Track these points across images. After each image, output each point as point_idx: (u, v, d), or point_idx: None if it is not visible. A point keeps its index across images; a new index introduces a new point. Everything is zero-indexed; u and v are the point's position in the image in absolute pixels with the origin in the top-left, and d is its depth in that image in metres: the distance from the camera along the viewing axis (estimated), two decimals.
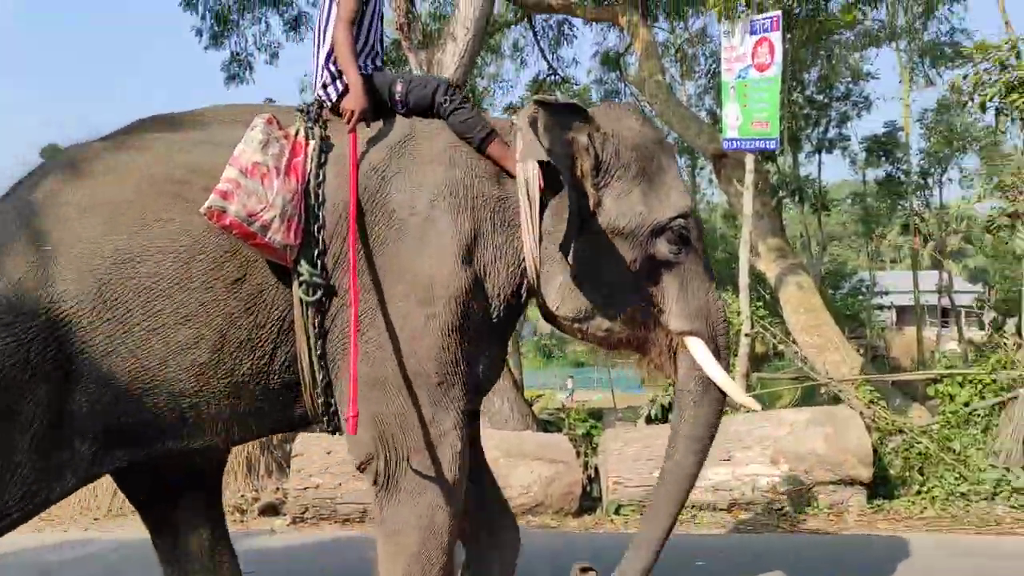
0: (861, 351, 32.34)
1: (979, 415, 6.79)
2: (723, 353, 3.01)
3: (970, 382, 6.92)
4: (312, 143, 2.73)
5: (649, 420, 7.81)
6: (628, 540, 3.13)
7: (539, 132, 2.75)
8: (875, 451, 6.45)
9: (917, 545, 4.90)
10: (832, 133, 23.83)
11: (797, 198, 24.28)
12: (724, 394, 2.98)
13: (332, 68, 2.96)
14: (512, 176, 2.82)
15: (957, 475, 6.31)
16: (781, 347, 8.39)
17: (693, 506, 6.02)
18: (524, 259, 2.81)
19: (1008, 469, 6.21)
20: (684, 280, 2.95)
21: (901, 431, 6.73)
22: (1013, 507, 5.89)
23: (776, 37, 6.45)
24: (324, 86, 2.98)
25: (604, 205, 2.83)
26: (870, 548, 4.96)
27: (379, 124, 2.90)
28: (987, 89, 7.11)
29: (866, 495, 6.13)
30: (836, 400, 7.57)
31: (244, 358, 2.65)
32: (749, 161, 7.26)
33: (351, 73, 2.85)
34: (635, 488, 6.07)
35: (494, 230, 2.81)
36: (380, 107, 2.93)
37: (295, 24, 13.33)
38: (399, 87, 2.93)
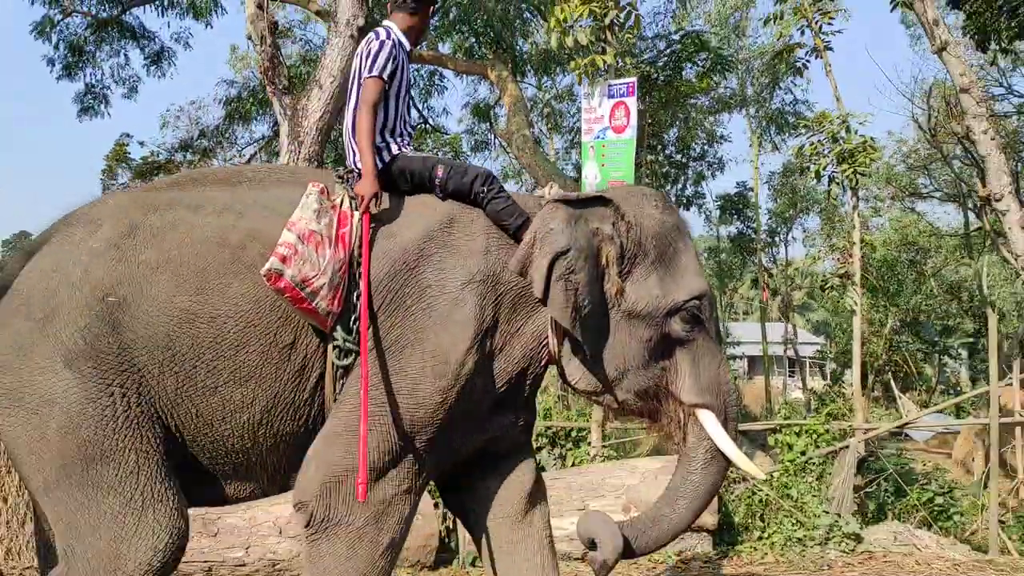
0: None
1: (814, 463, 7.20)
2: (731, 424, 3.12)
3: (806, 432, 7.35)
4: (355, 215, 2.85)
5: None
6: None
7: (557, 224, 2.89)
8: (720, 498, 6.73)
9: None
10: (689, 191, 25.08)
11: None
12: (729, 463, 3.11)
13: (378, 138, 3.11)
14: None
15: (794, 521, 6.65)
16: None
17: None
18: (546, 336, 3.00)
19: (839, 515, 6.61)
20: (696, 356, 3.08)
21: (744, 479, 7.04)
22: (843, 551, 6.26)
23: (632, 102, 6.77)
24: (354, 159, 3.12)
25: (625, 290, 2.98)
26: None
27: (414, 202, 3.06)
28: (820, 159, 7.70)
29: (711, 541, 6.36)
30: None
31: (288, 418, 2.78)
32: None
33: (367, 159, 2.98)
34: None
35: (515, 313, 2.99)
36: (414, 188, 3.11)
37: (157, 59, 12.91)
38: (440, 172, 3.06)
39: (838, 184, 7.72)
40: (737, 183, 27.99)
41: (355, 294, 2.77)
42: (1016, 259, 7.62)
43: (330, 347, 2.77)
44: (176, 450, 2.70)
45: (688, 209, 25.35)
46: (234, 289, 2.69)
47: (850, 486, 6.89)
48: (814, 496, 6.87)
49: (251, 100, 15.61)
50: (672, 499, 3.12)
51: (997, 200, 7.55)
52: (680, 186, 24.87)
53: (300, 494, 2.77)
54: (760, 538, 6.63)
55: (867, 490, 7.58)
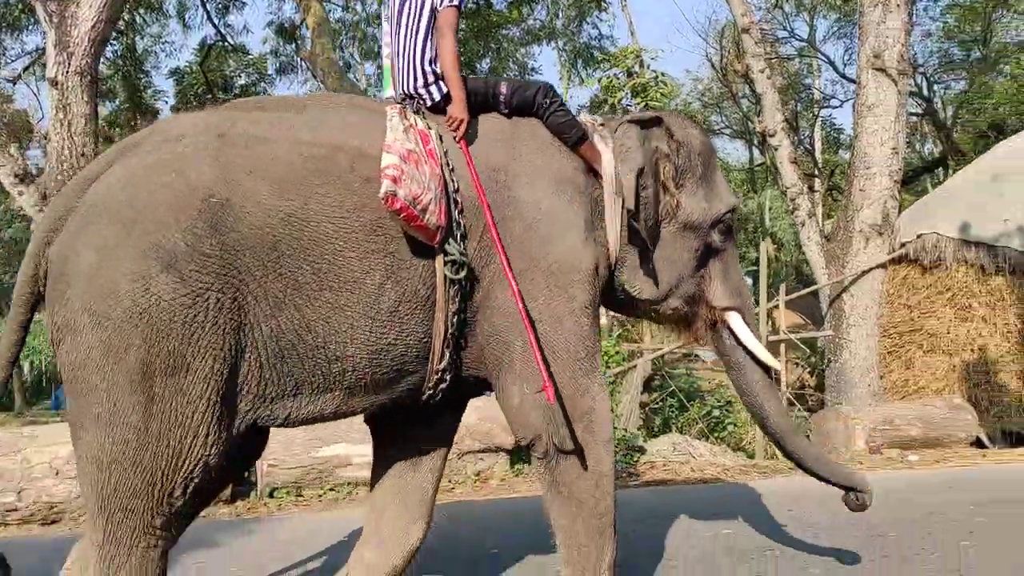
0: None
1: (607, 382, 7.63)
2: (750, 323, 3.45)
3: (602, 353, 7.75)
4: (433, 134, 2.88)
5: None
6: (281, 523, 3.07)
7: (633, 143, 3.09)
8: None
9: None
10: None
11: None
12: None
13: (433, 69, 3.09)
14: (597, 175, 3.10)
15: None
16: None
17: (348, 483, 6.12)
18: (606, 247, 3.11)
19: (626, 430, 7.09)
20: (726, 264, 3.39)
21: None
22: (628, 463, 6.72)
23: None
24: (426, 85, 3.09)
25: (680, 204, 3.19)
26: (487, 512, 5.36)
27: (485, 123, 3.07)
28: (617, 92, 7.98)
29: (509, 461, 6.63)
30: None
31: (388, 329, 2.74)
32: None
33: (458, 86, 3.02)
34: (291, 470, 6.02)
35: (594, 218, 3.08)
36: (477, 108, 3.07)
37: None
38: (504, 89, 3.11)
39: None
40: None
41: (455, 210, 2.81)
42: (786, 191, 8.31)
43: (439, 261, 2.76)
44: (264, 362, 2.62)
45: None
46: (331, 198, 2.67)
47: (636, 403, 7.38)
48: None
49: (19, 6, 14.00)
50: (758, 404, 3.48)
51: (771, 136, 8.16)
52: None
53: (526, 431, 2.90)
54: None
55: (653, 406, 8.15)
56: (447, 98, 3.06)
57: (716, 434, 7.99)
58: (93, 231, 2.50)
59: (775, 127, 8.17)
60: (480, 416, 6.44)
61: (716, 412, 8.24)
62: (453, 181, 2.83)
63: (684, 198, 3.22)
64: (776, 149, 8.34)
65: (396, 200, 2.60)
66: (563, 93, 21.92)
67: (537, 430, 2.87)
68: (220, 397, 2.51)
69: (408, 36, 3.15)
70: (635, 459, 6.79)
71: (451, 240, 2.76)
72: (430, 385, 2.89)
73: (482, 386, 3.09)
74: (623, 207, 3.08)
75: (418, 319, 2.77)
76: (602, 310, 3.55)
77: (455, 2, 3.12)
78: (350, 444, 6.17)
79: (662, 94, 7.85)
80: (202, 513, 5.47)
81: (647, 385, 8.05)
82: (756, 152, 24.25)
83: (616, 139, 3.15)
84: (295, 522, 5.10)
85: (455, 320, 2.81)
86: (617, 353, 7.74)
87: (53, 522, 5.45)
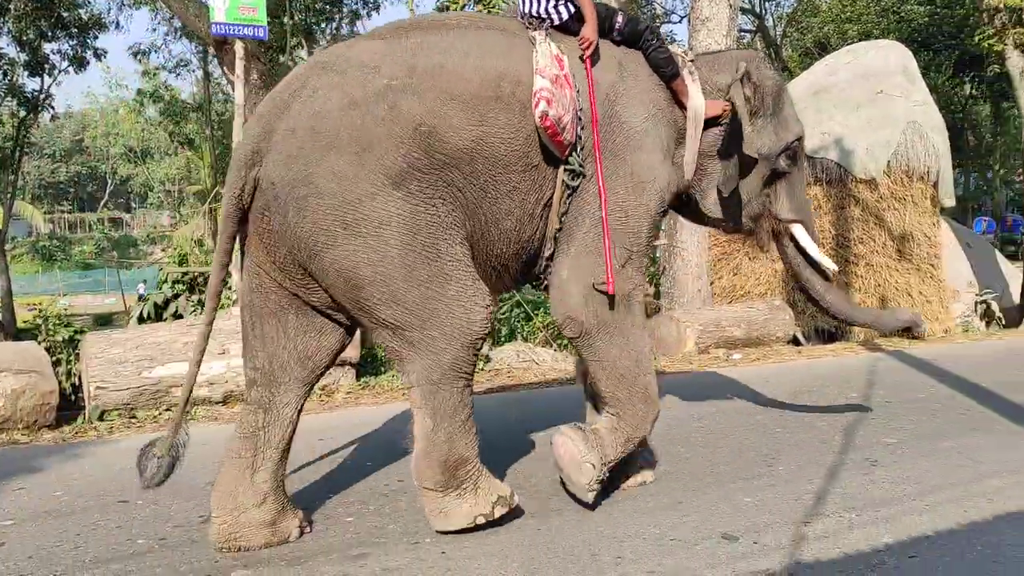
0: None
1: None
2: (813, 234, 4.09)
3: None
4: (565, 58, 3.26)
5: (142, 320, 7.40)
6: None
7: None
8: (363, 333, 6.97)
9: (378, 415, 5.48)
10: (344, 30, 24.32)
11: None
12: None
13: None
14: (682, 107, 3.59)
15: None
16: None
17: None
18: (684, 171, 3.66)
19: None
20: (792, 184, 3.94)
21: None
22: (481, 369, 6.86)
23: None
24: (555, 5, 3.41)
25: (754, 137, 3.61)
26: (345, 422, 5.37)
27: (602, 49, 3.43)
28: (460, 0, 7.79)
29: (355, 375, 6.62)
30: None
31: (528, 227, 3.30)
32: (239, 49, 7.03)
33: (591, 10, 3.37)
34: (120, 392, 5.75)
35: (676, 144, 3.61)
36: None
37: None
38: (619, 19, 3.51)
39: None
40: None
41: (579, 127, 3.25)
42: None
43: (561, 170, 3.24)
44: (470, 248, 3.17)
45: None
46: (502, 119, 3.10)
47: None
48: None
49: None
50: (818, 295, 4.17)
51: None
52: (335, 24, 24.05)
53: (566, 310, 3.32)
54: None
55: (499, 316, 8.30)
56: (573, 17, 3.41)
57: (559, 341, 8.26)
58: (329, 160, 2.89)
59: None
60: None
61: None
62: (578, 101, 3.25)
63: (756, 132, 3.68)
64: None
65: (547, 119, 3.07)
66: (409, 1, 21.31)
67: (573, 308, 3.31)
68: (472, 271, 3.10)
69: None
70: (480, 366, 6.93)
71: (574, 152, 3.24)
72: (540, 271, 3.46)
73: None
74: (699, 142, 3.62)
75: (542, 218, 3.31)
76: None
77: None
78: (186, 363, 5.93)
79: (504, 2, 7.73)
80: (23, 440, 5.22)
81: None
82: None
83: (704, 80, 3.65)
84: (127, 445, 4.90)
85: (562, 219, 3.33)
86: None
87: None
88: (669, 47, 3.64)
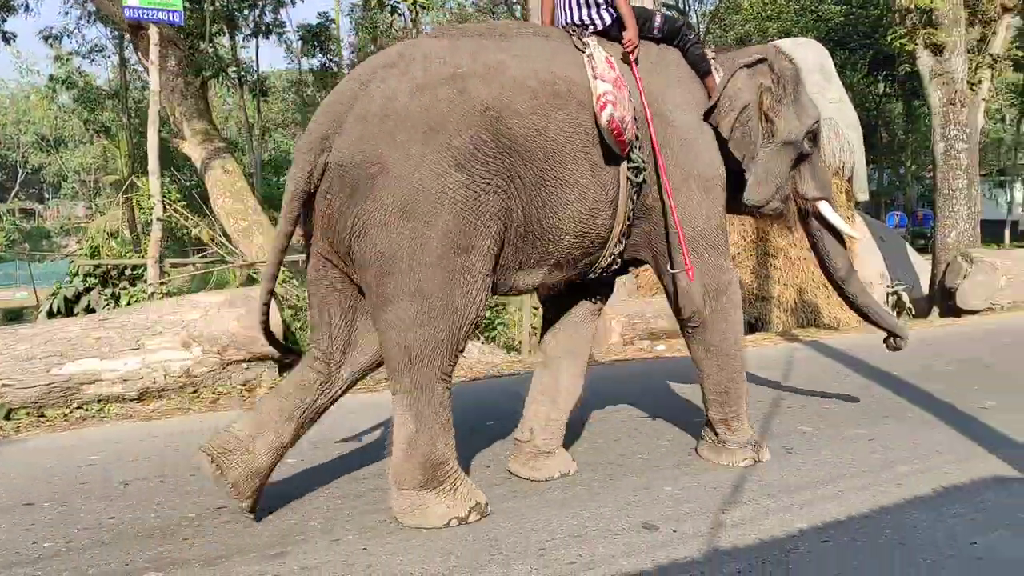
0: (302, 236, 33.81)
1: None
2: (836, 208, 4.37)
3: None
4: (614, 60, 3.48)
5: (51, 315, 7.10)
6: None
7: (742, 83, 3.83)
8: (287, 327, 6.84)
9: None
10: (268, 18, 23.76)
11: (236, 82, 23.87)
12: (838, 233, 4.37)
13: None
14: None
15: None
16: (196, 231, 8.25)
17: (100, 400, 5.71)
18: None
19: None
20: (814, 163, 4.20)
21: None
22: None
23: None
24: (598, 10, 3.65)
25: (779, 126, 3.90)
26: None
27: (645, 46, 3.69)
28: None
29: (278, 369, 6.47)
30: (252, 282, 7.77)
31: (588, 223, 3.44)
32: (153, 34, 6.79)
33: (631, 15, 3.60)
34: (28, 389, 5.50)
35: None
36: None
37: None
38: (659, 20, 3.76)
39: (399, 14, 7.81)
40: (319, 13, 27.19)
41: (635, 125, 3.43)
42: None
43: (624, 166, 3.45)
44: (513, 241, 3.29)
45: (267, 38, 24.14)
46: (560, 116, 3.28)
47: None
48: None
49: None
50: (834, 267, 4.44)
51: None
52: (258, 12, 23.46)
53: (694, 308, 3.74)
54: None
55: None
56: (614, 23, 3.63)
57: (487, 335, 8.24)
58: (400, 140, 3.00)
59: None
60: (245, 324, 6.21)
61: (487, 314, 8.46)
62: (632, 100, 3.45)
63: (780, 121, 3.92)
64: None
65: (614, 121, 3.29)
66: None
67: (698, 305, 3.73)
68: (490, 269, 3.18)
69: None
70: None
71: (634, 149, 3.44)
72: (603, 265, 3.66)
73: (633, 267, 4.00)
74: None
75: (605, 213, 3.47)
76: None
77: None
78: (98, 360, 5.74)
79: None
80: None
81: None
82: None
83: (730, 80, 3.82)
84: (35, 444, 4.70)
85: (629, 215, 3.55)
86: None
87: None
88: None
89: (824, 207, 4.27)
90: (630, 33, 3.58)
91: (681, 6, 21.80)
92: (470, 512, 3.23)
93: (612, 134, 3.33)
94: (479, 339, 8.14)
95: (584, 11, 3.67)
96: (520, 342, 8.42)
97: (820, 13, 20.23)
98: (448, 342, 3.12)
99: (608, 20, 3.65)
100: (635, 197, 3.55)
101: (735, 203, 3.99)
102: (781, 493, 3.51)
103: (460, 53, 3.22)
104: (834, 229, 4.33)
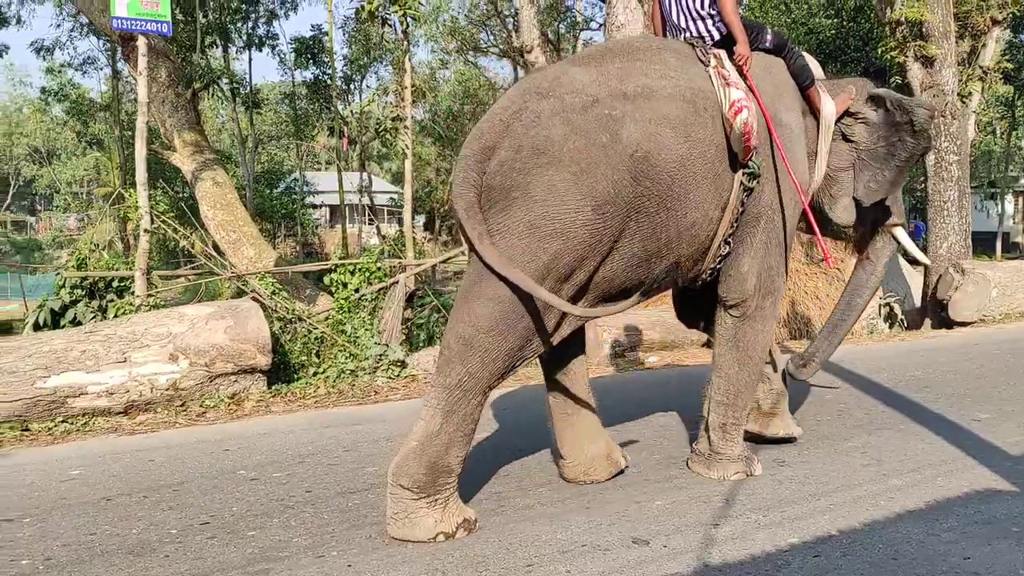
0: (297, 247, 33.71)
1: (368, 299, 7.55)
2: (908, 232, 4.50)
3: (360, 270, 7.63)
4: (733, 71, 3.62)
5: (37, 327, 7.04)
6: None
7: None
8: (276, 339, 6.78)
9: (289, 423, 5.34)
10: (261, 30, 23.82)
11: (229, 94, 23.88)
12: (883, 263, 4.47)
13: (710, 12, 3.76)
14: (815, 116, 3.98)
15: (348, 354, 6.97)
16: (184, 243, 8.21)
17: (85, 413, 5.65)
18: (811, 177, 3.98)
19: (388, 344, 7.07)
20: (899, 190, 4.28)
21: (301, 318, 7.15)
22: (390, 377, 6.74)
23: None
24: (711, 25, 3.77)
25: (898, 150, 4.04)
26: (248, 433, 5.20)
27: (756, 59, 3.77)
28: (374, 1, 7.68)
29: (266, 382, 6.42)
30: (242, 294, 7.72)
31: (702, 232, 3.52)
32: (142, 45, 6.77)
33: (741, 30, 3.70)
34: (12, 403, 5.42)
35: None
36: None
37: None
38: (769, 36, 3.90)
39: (390, 26, 7.80)
40: (312, 26, 27.26)
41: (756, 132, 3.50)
42: None
43: (740, 173, 3.52)
44: (617, 267, 3.35)
45: (260, 50, 24.20)
46: (701, 134, 3.39)
47: (399, 318, 7.37)
48: (367, 330, 7.23)
49: None
50: (854, 294, 4.46)
51: (528, 52, 8.25)
52: (251, 24, 23.51)
53: (742, 294, 3.75)
54: (315, 374, 6.85)
55: (417, 321, 8.19)
56: (725, 37, 3.74)
57: None
58: (548, 175, 3.14)
59: (532, 43, 8.26)
60: (232, 337, 6.15)
61: None
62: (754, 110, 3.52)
63: (871, 148, 4.08)
64: (533, 66, 8.45)
65: (748, 126, 3.39)
66: (328, 1, 20.98)
67: (748, 293, 3.74)
68: (569, 296, 3.26)
69: None
70: (396, 373, 6.81)
71: (754, 156, 3.51)
72: (706, 273, 3.76)
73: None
74: (829, 149, 3.99)
75: (717, 221, 3.54)
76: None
77: None
78: (84, 373, 5.67)
79: (420, 3, 7.65)
80: None
81: (411, 301, 8.06)
82: (520, 72, 24.62)
83: (831, 101, 3.97)
84: (18, 460, 4.63)
85: (733, 222, 3.61)
86: (379, 269, 7.65)
87: None
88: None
89: (900, 233, 4.41)
90: (741, 48, 3.68)
91: None
92: (458, 528, 3.19)
93: (743, 139, 3.43)
94: None
95: (695, 25, 3.81)
96: None
97: (811, 26, 20.30)
98: (508, 357, 3.17)
99: (717, 35, 3.78)
100: (743, 203, 3.62)
101: (822, 220, 4.15)
102: (773, 507, 3.47)
103: (609, 87, 3.34)
104: (908, 255, 4.62)
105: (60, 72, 29.71)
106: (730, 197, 3.56)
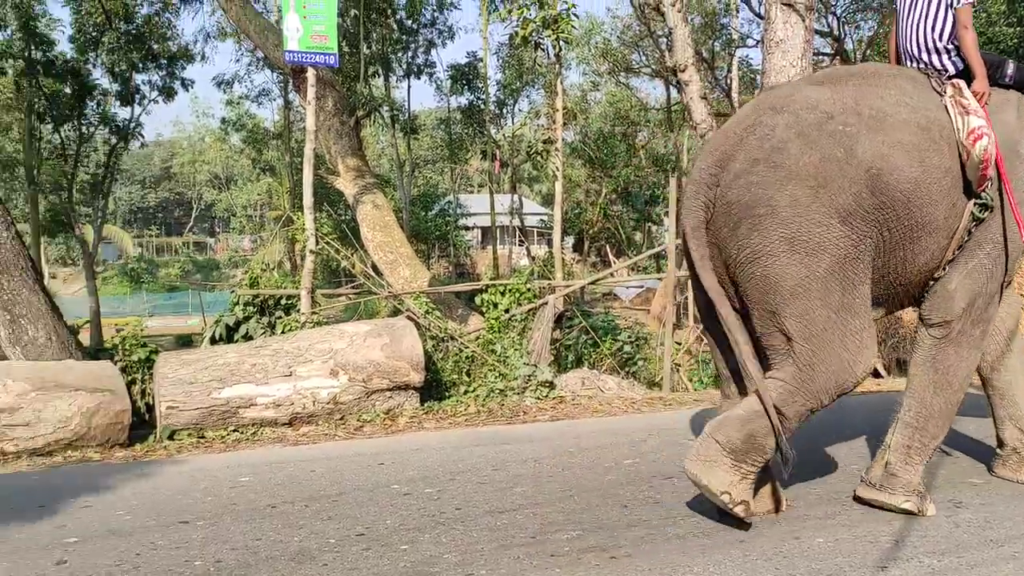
0: (450, 267, 34.60)
1: (517, 320, 7.63)
2: None
3: (510, 291, 7.73)
4: (971, 100, 3.56)
5: (214, 341, 7.55)
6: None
7: None
8: (429, 357, 6.97)
9: (440, 440, 5.44)
10: (420, 59, 24.77)
11: (389, 121, 24.95)
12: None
13: (946, 47, 3.77)
14: None
15: (498, 374, 7.06)
16: (345, 263, 8.59)
17: (253, 424, 6.00)
18: None
19: (536, 365, 7.11)
20: None
21: (453, 337, 7.31)
22: (538, 398, 6.77)
23: None
24: (946, 59, 3.77)
25: None
26: (400, 448, 5.34)
27: (996, 91, 3.74)
28: (528, 25, 7.81)
29: (419, 398, 6.60)
30: (397, 313, 7.98)
31: (935, 256, 3.54)
32: (311, 76, 7.18)
33: (980, 66, 3.68)
34: (191, 412, 5.85)
35: None
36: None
37: None
38: (1011, 68, 3.86)
39: (543, 50, 7.91)
40: (467, 53, 28.07)
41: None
42: (696, 127, 8.33)
43: (972, 203, 3.50)
44: (873, 284, 3.46)
45: (419, 78, 25.16)
46: (935, 161, 3.41)
47: (548, 339, 7.40)
48: (516, 350, 7.31)
49: None
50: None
51: (682, 71, 8.13)
52: (411, 54, 24.50)
53: (947, 314, 3.62)
54: (465, 392, 6.98)
55: (566, 342, 8.19)
56: (961, 72, 3.73)
57: (627, 369, 8.11)
58: (789, 190, 3.28)
59: (685, 62, 8.14)
60: (388, 354, 6.38)
61: (627, 348, 8.33)
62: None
63: None
64: (687, 85, 8.32)
65: (987, 153, 3.38)
66: (484, 28, 21.58)
67: (954, 314, 3.62)
68: (866, 310, 3.40)
69: (921, 20, 3.85)
70: (545, 393, 6.84)
71: (988, 187, 3.50)
72: (917, 295, 3.72)
73: None
74: None
75: (945, 247, 3.55)
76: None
77: (971, 0, 3.76)
78: (254, 385, 6.03)
79: (575, 27, 7.71)
80: (95, 457, 5.35)
81: (559, 322, 8.09)
82: (674, 92, 24.34)
83: None
84: (193, 465, 4.97)
85: (956, 248, 3.58)
86: (529, 290, 7.73)
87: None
88: None
89: None
90: (979, 84, 3.66)
91: (836, 32, 21.00)
92: (740, 504, 3.31)
93: (980, 167, 3.41)
94: (619, 373, 8.02)
95: (932, 57, 3.81)
96: (661, 378, 8.23)
97: (991, 35, 18.97)
98: (830, 373, 3.31)
99: (953, 69, 3.76)
100: (969, 232, 3.57)
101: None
102: (948, 551, 3.20)
103: (843, 105, 3.43)
104: None
105: (238, 104, 32.07)
106: (959, 225, 3.53)
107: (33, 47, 20.02)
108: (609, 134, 24.05)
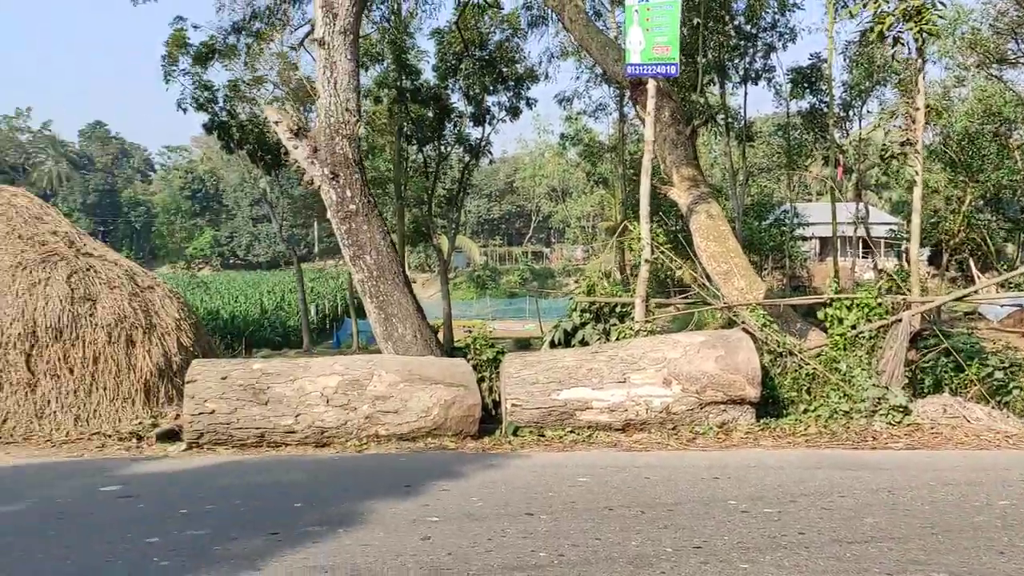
0: (784, 280, 33.14)
1: (865, 337, 7.05)
2: None
3: (858, 306, 7.17)
4: None
5: (553, 345, 7.92)
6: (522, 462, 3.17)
7: None
8: (766, 371, 6.69)
9: (778, 459, 5.16)
10: (759, 64, 24.02)
11: (724, 129, 24.53)
12: None
13: None
14: None
15: (841, 394, 6.58)
16: (680, 273, 8.54)
17: (588, 426, 6.19)
18: None
19: (888, 388, 6.51)
20: None
21: (792, 353, 6.95)
22: (889, 423, 6.18)
23: None
24: None
25: None
26: (728, 463, 5.16)
27: None
28: (885, 18, 7.19)
29: (754, 414, 6.36)
30: (731, 324, 7.77)
31: None
32: (651, 87, 7.25)
33: None
34: (532, 410, 6.19)
35: None
36: None
37: None
38: None
39: (903, 44, 7.23)
40: (810, 54, 26.69)
41: None
42: None
43: None
44: None
45: (756, 84, 24.40)
46: None
47: (902, 359, 6.74)
48: (863, 370, 6.75)
49: None
50: None
51: None
52: (749, 59, 23.85)
53: None
54: (805, 411, 6.59)
55: (923, 364, 7.42)
56: None
57: (997, 398, 7.12)
58: None
59: None
60: (722, 366, 6.23)
61: (999, 375, 7.33)
62: None
63: None
64: None
65: None
66: (829, 27, 20.37)
67: None
68: None
69: None
70: (897, 419, 6.23)
71: None
72: None
73: None
74: None
75: None
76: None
77: None
78: (589, 389, 6.23)
79: (940, 17, 6.96)
80: (451, 446, 5.87)
81: (914, 341, 7.33)
82: None
83: None
84: (534, 461, 5.24)
85: None
86: (879, 305, 7.10)
87: (324, 445, 6.03)
88: None
89: None
90: None
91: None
92: None
93: None
94: (988, 403, 7.07)
95: None
96: None
97: None
98: None
99: None
100: None
101: None
102: None
103: None
104: None
105: (576, 119, 33.58)
106: None
107: (404, 77, 22.62)
108: (976, 133, 21.40)
